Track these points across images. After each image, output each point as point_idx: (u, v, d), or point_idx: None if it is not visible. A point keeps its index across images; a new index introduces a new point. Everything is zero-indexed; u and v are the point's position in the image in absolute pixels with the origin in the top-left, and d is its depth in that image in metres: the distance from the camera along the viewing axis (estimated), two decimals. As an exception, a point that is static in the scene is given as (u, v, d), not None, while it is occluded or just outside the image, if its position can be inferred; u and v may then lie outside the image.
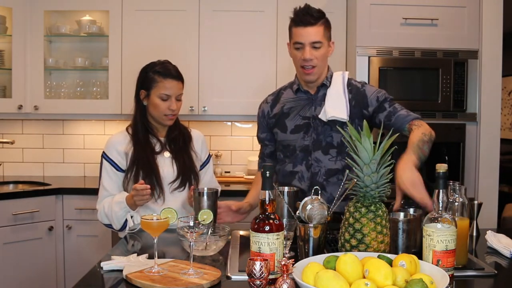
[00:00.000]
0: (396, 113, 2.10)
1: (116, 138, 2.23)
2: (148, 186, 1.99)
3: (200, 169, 2.31)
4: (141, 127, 2.22)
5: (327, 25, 2.12)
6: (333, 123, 2.11)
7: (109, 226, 2.14)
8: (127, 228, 2.08)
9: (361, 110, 2.15)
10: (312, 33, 2.07)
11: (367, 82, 2.15)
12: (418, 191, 1.71)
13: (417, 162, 1.83)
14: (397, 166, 1.75)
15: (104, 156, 2.20)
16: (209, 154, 2.41)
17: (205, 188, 2.03)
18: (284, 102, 2.26)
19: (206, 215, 1.66)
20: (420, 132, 1.96)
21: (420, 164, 1.85)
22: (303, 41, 2.08)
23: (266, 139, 2.33)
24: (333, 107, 2.12)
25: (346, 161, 1.67)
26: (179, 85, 2.21)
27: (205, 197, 1.99)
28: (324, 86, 2.19)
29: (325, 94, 2.17)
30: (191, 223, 1.57)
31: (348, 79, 2.21)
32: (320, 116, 2.14)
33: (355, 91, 2.17)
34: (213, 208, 1.99)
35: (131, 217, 2.07)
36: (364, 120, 1.66)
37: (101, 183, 2.19)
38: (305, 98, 2.22)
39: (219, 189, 2.31)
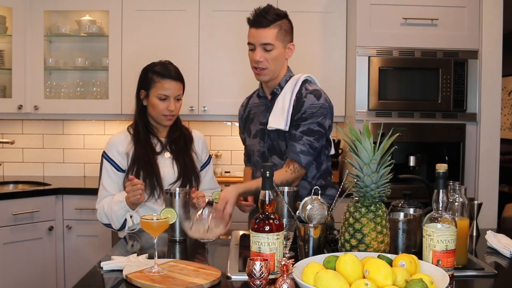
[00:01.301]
0: (295, 141, 2.06)
1: (116, 138, 2.23)
2: (142, 182, 1.99)
3: (201, 170, 2.31)
4: (141, 127, 2.22)
5: (285, 28, 2.10)
6: (280, 131, 2.13)
7: (109, 225, 2.14)
8: (126, 227, 2.08)
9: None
10: (264, 35, 2.06)
11: (317, 91, 2.12)
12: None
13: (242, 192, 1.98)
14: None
15: (105, 156, 2.20)
16: (210, 155, 2.41)
17: (177, 189, 2.03)
18: (250, 107, 2.32)
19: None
20: (280, 177, 2.00)
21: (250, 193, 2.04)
22: (254, 42, 2.10)
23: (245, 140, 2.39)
24: (274, 117, 2.12)
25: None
26: (178, 86, 2.20)
27: (176, 197, 1.98)
28: (275, 94, 2.18)
29: None
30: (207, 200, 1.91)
31: (304, 82, 2.16)
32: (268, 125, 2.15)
33: (297, 100, 2.11)
34: (185, 208, 1.98)
35: (131, 217, 2.07)
36: (364, 120, 1.66)
37: (101, 183, 2.19)
38: (263, 104, 2.24)
39: (219, 190, 2.31)
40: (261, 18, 2.06)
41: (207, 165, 2.37)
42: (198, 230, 1.71)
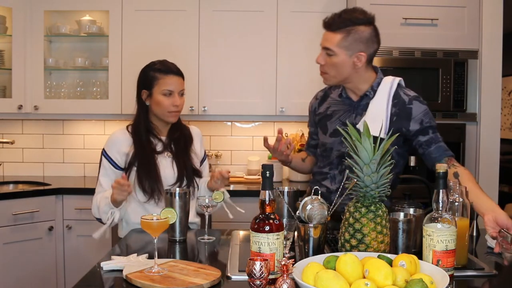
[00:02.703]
0: (437, 143, 2.03)
1: (118, 137, 2.22)
2: (129, 183, 1.98)
3: (200, 166, 2.33)
4: (143, 129, 2.22)
5: (356, 35, 1.99)
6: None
7: (100, 220, 2.16)
8: (108, 223, 2.09)
9: (401, 126, 2.03)
10: (327, 38, 2.01)
11: (417, 96, 2.10)
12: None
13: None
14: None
15: (104, 153, 2.20)
16: (204, 149, 2.42)
17: (177, 189, 2.02)
18: (330, 103, 2.21)
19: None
20: (471, 178, 1.91)
21: None
22: (320, 44, 2.05)
23: (314, 133, 2.30)
24: (371, 123, 1.92)
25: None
26: (180, 81, 2.22)
27: (176, 197, 1.97)
28: (367, 96, 2.08)
29: (367, 104, 2.06)
30: (207, 201, 1.98)
31: (397, 87, 2.08)
32: (358, 126, 2.02)
33: (400, 106, 2.04)
34: (185, 208, 1.98)
35: (111, 213, 2.08)
36: (364, 120, 1.66)
37: (98, 179, 2.21)
38: (348, 104, 2.14)
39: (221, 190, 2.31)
40: (331, 21, 1.99)
41: (204, 160, 2.39)
42: None
